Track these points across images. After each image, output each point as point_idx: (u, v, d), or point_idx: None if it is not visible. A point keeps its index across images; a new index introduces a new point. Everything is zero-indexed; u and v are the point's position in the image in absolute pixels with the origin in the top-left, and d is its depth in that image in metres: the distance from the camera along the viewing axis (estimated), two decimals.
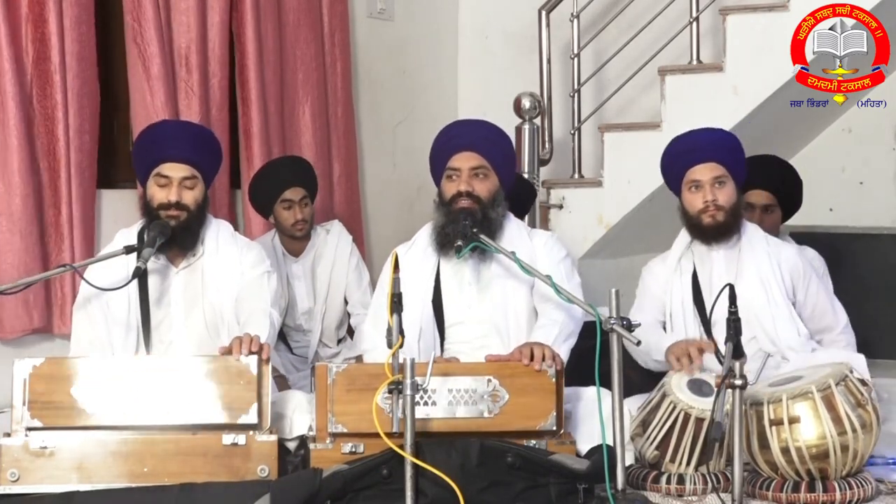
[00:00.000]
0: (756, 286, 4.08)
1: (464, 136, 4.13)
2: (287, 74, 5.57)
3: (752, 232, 4.21)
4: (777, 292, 4.10)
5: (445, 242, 4.01)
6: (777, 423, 3.56)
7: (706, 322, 4.08)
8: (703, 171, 4.13)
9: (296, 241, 5.14)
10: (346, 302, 5.23)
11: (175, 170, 3.98)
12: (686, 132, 4.28)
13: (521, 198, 5.00)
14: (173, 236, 3.96)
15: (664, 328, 4.21)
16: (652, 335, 4.05)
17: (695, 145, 4.17)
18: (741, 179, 4.20)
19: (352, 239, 5.29)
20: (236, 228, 5.12)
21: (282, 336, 5.07)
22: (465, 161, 4.05)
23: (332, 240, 5.22)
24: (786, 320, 4.09)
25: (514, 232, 4.12)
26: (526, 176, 5.56)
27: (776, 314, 4.09)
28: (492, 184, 4.07)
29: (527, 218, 5.13)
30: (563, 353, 3.86)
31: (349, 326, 5.30)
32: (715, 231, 4.14)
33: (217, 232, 4.11)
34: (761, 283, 4.08)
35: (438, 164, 4.13)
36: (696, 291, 4.17)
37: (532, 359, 3.70)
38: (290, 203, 5.05)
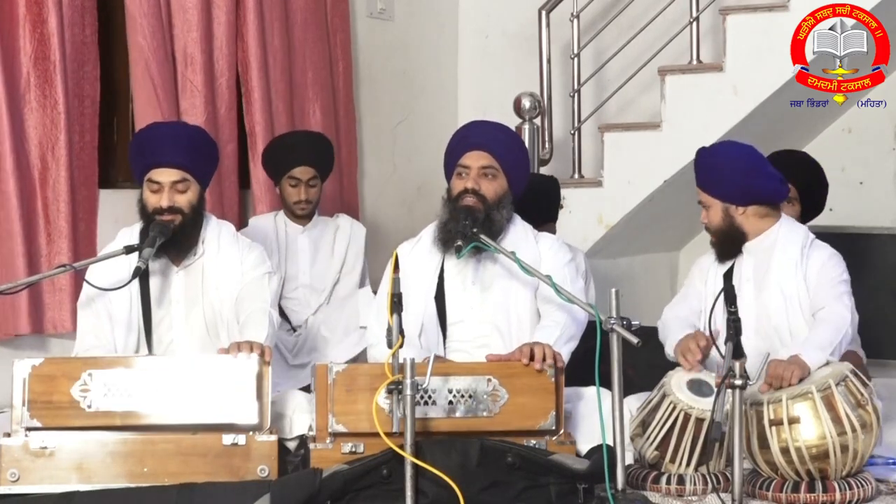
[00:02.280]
0: (777, 297, 4.02)
1: (477, 135, 4.14)
2: (296, 73, 5.55)
3: (787, 236, 4.08)
4: (796, 308, 4.01)
5: (448, 239, 4.02)
6: (777, 423, 3.56)
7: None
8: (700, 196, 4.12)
9: (299, 217, 5.14)
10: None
11: (165, 175, 3.98)
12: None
13: (549, 198, 4.99)
14: (171, 239, 3.96)
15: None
16: (672, 330, 4.05)
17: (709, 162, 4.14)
18: (739, 199, 4.07)
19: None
20: (244, 229, 5.11)
21: (282, 315, 5.01)
22: (475, 160, 4.06)
23: (345, 222, 5.24)
24: (803, 330, 4.00)
25: (520, 235, 4.13)
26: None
27: (793, 325, 4.02)
28: (499, 185, 4.07)
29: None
30: (564, 354, 3.86)
31: None
32: (717, 251, 4.13)
33: (218, 232, 4.12)
34: (782, 296, 4.01)
35: (450, 161, 4.15)
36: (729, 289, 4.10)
37: (532, 358, 3.70)
38: (296, 181, 5.05)
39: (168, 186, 3.97)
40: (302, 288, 5.12)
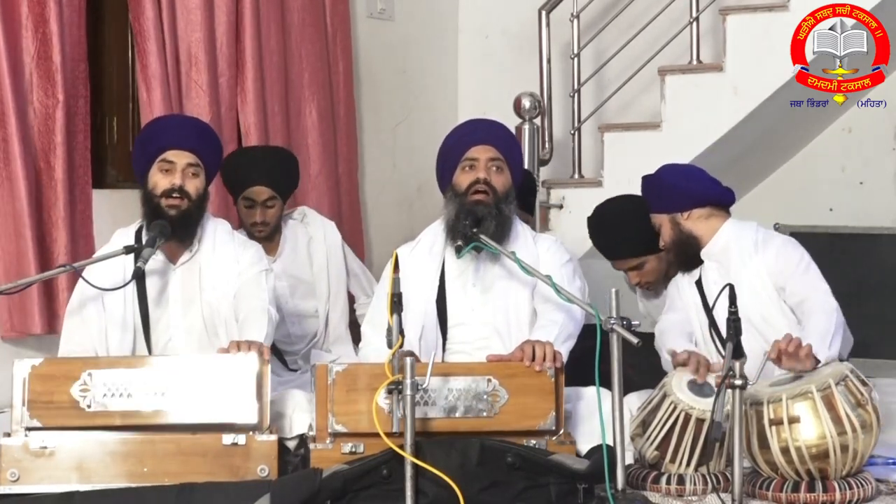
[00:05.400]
0: (746, 297, 4.02)
1: (481, 131, 4.16)
2: (293, 74, 5.55)
3: (738, 233, 4.15)
4: (766, 298, 4.06)
5: (458, 234, 4.00)
6: (777, 422, 3.56)
7: (713, 325, 4.08)
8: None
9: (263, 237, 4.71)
10: (350, 297, 4.93)
11: (180, 156, 4.00)
12: None
13: (524, 190, 4.96)
14: (172, 227, 3.96)
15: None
16: (670, 336, 4.07)
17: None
18: (682, 205, 4.17)
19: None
20: (239, 229, 5.05)
21: (276, 352, 4.63)
22: (483, 152, 4.07)
23: (316, 230, 4.88)
24: (779, 320, 4.06)
25: (520, 235, 4.14)
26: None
27: (767, 316, 4.06)
28: (506, 179, 4.09)
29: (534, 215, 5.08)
30: (563, 353, 3.86)
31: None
32: (677, 264, 4.23)
33: (215, 230, 4.12)
34: (749, 289, 4.04)
35: (452, 157, 4.12)
36: (702, 296, 4.17)
37: (534, 358, 3.70)
38: (251, 203, 4.69)
39: (182, 168, 3.99)
40: (289, 317, 4.76)
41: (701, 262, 4.18)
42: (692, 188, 4.18)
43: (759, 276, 4.08)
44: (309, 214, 4.97)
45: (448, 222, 4.07)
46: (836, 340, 3.84)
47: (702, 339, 4.12)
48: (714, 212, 4.18)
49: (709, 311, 4.09)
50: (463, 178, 4.07)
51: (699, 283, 4.17)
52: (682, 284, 4.23)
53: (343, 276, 4.93)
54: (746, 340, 3.74)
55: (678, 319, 4.18)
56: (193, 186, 4.01)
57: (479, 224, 3.97)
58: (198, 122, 4.35)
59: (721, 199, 4.21)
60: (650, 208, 4.27)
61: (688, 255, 4.18)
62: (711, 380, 3.75)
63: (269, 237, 4.77)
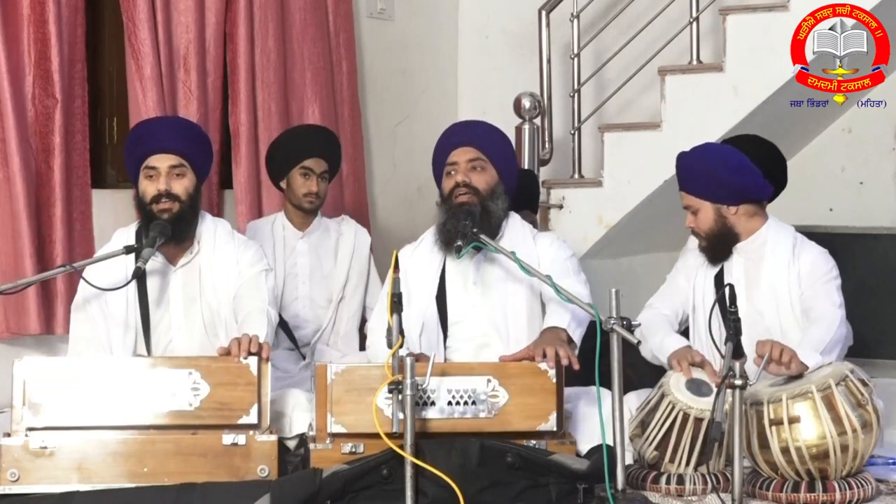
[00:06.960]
0: (769, 300, 4.04)
1: (460, 133, 4.20)
2: (295, 74, 5.53)
3: (776, 237, 4.10)
4: (787, 308, 4.03)
5: (448, 240, 4.03)
6: (777, 422, 3.56)
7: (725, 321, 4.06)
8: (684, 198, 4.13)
9: (303, 215, 4.90)
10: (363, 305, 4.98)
11: (162, 160, 3.99)
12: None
13: (529, 191, 4.99)
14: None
15: (687, 322, 4.20)
16: (657, 332, 4.04)
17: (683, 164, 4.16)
18: (731, 198, 4.08)
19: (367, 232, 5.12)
20: (280, 211, 5.02)
21: (285, 327, 4.77)
22: (461, 155, 4.11)
23: (349, 228, 5.01)
24: (793, 329, 4.02)
25: (518, 233, 4.15)
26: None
27: (784, 325, 4.03)
28: (490, 176, 4.10)
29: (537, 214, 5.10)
30: (577, 337, 3.89)
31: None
32: (708, 255, 4.14)
33: (214, 230, 4.12)
34: (774, 296, 4.03)
35: (438, 164, 4.19)
36: (718, 289, 4.13)
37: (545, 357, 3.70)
38: (309, 172, 4.83)
39: (165, 171, 3.98)
40: (302, 299, 4.86)
41: (728, 255, 4.13)
42: (745, 183, 4.08)
43: (787, 284, 4.04)
44: (346, 219, 5.11)
45: (438, 227, 4.11)
46: (829, 351, 3.82)
47: (705, 334, 4.06)
48: (758, 210, 4.12)
49: (723, 306, 4.02)
50: (447, 184, 4.12)
51: (718, 277, 4.12)
52: (699, 275, 4.18)
53: (364, 275, 4.99)
54: (755, 342, 3.74)
55: (667, 316, 4.16)
56: (181, 187, 4.00)
57: (475, 224, 3.98)
58: (178, 120, 4.33)
59: (765, 194, 4.15)
60: (683, 187, 4.14)
61: (722, 247, 4.11)
62: (710, 380, 3.75)
63: (313, 212, 4.91)
